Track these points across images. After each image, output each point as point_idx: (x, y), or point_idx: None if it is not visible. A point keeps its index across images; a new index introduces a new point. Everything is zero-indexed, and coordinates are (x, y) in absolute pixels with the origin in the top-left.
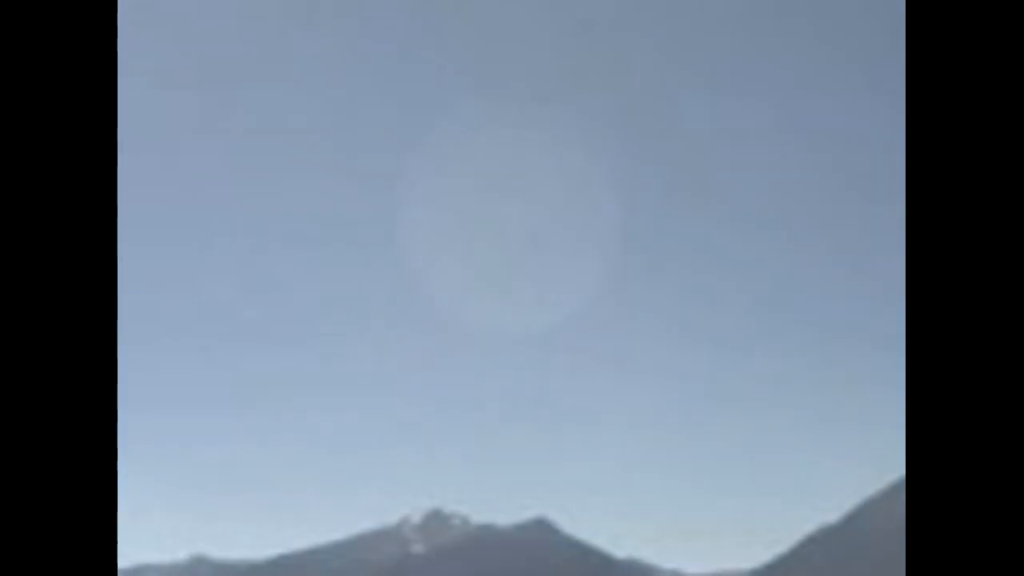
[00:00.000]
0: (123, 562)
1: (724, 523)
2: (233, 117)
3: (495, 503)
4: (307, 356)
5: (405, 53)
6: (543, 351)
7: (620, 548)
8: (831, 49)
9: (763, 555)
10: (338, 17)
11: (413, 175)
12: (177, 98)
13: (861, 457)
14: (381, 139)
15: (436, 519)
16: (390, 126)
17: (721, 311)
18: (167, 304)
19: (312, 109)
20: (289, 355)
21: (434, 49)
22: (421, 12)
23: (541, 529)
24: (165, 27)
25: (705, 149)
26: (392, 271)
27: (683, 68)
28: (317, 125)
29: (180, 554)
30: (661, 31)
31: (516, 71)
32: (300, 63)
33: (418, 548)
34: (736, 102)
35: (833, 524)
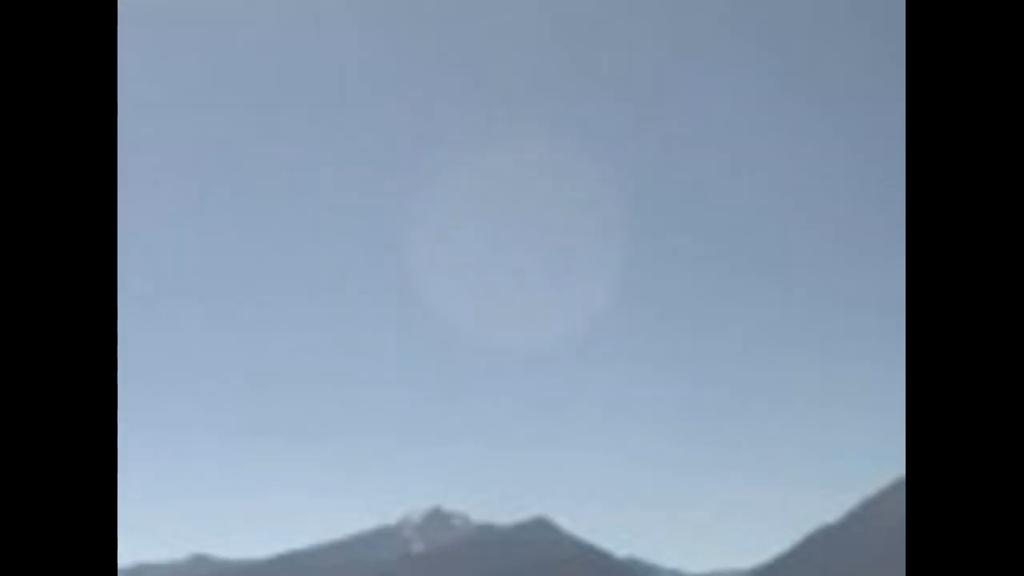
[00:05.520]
0: (123, 562)
1: (724, 523)
2: (237, 139)
3: (495, 503)
4: (307, 358)
5: (412, 74)
6: (544, 356)
7: (620, 548)
8: (835, 55)
9: (763, 555)
10: (340, 34)
11: (421, 195)
12: (182, 110)
13: (861, 457)
14: (389, 157)
15: (436, 519)
16: (398, 145)
17: (721, 315)
18: (169, 307)
19: (320, 129)
20: (289, 358)
21: (442, 69)
22: (424, 31)
23: (541, 529)
24: (168, 30)
25: (710, 161)
26: (393, 276)
27: (690, 83)
28: (326, 145)
29: (180, 554)
30: (667, 44)
31: (526, 93)
32: (304, 82)
33: (418, 548)
34: (739, 110)
35: (833, 524)
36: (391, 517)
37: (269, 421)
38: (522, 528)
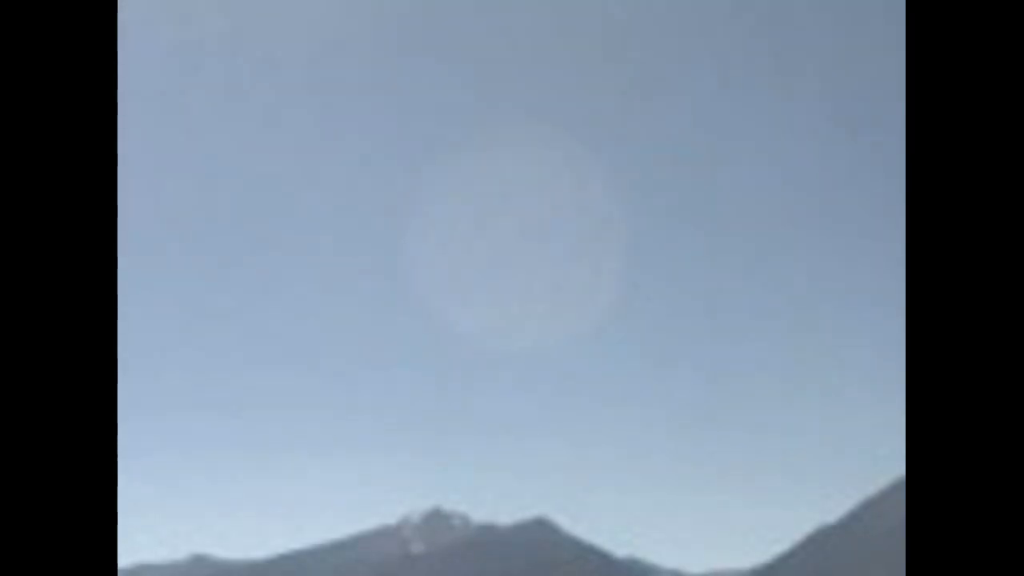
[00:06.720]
0: (123, 562)
1: (724, 523)
2: (237, 138)
3: (495, 503)
4: (307, 358)
5: (413, 74)
6: (544, 356)
7: (620, 548)
8: (835, 51)
9: (763, 555)
10: (339, 33)
11: (420, 193)
12: (183, 103)
13: (861, 457)
14: (387, 159)
15: (436, 519)
16: (398, 145)
17: (721, 315)
18: (170, 307)
19: (320, 129)
20: (289, 357)
21: (443, 68)
22: (425, 31)
23: (541, 529)
24: (168, 29)
25: (712, 159)
26: (393, 276)
27: (691, 81)
28: (327, 145)
29: (180, 554)
30: (667, 43)
31: (526, 93)
32: (304, 80)
33: (418, 548)
34: (740, 108)
35: (833, 524)
36: (391, 517)
37: (269, 421)
38: (522, 528)
